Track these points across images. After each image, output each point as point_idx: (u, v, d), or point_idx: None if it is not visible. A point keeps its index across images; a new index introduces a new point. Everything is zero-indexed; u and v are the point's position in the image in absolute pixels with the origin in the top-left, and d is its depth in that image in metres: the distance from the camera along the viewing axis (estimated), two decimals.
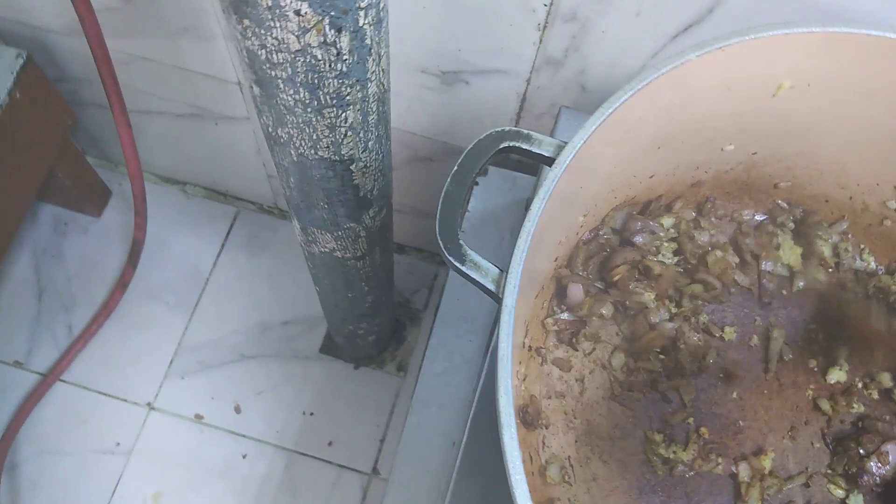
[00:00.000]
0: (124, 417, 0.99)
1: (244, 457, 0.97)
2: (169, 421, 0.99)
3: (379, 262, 0.69)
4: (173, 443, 0.98)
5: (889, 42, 0.41)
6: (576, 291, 0.47)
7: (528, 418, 0.46)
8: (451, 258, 0.34)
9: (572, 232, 0.47)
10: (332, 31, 0.37)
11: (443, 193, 0.35)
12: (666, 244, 0.51)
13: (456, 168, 0.35)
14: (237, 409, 0.99)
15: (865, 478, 0.46)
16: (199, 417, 0.99)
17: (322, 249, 0.63)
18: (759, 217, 0.54)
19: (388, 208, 0.62)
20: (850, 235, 0.53)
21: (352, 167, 0.49)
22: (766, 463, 0.47)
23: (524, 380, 0.46)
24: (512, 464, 0.32)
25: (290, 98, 0.42)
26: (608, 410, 0.49)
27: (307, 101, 0.42)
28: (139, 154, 1.02)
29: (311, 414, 0.99)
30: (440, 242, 0.34)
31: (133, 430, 0.98)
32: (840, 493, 0.47)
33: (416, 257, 1.07)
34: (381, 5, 0.39)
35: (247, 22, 0.37)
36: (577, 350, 0.50)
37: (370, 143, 0.48)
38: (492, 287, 0.34)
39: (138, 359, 1.01)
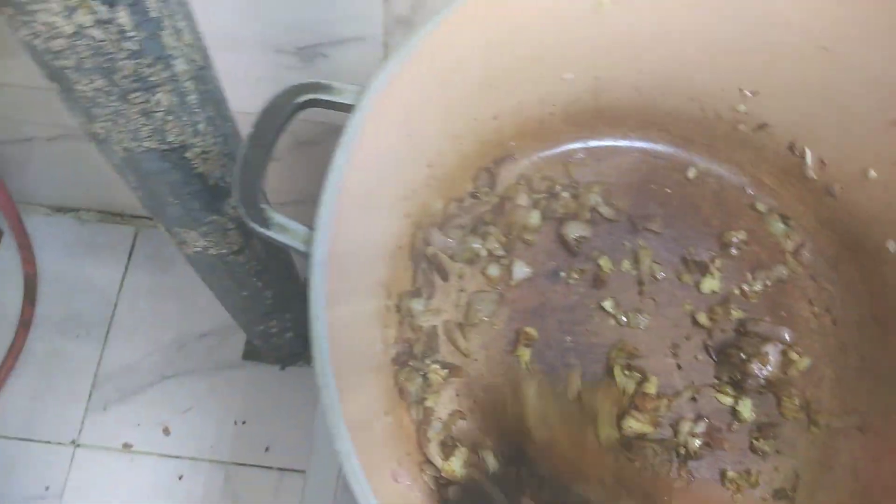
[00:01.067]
0: (50, 460, 0.94)
1: (181, 478, 0.94)
2: (97, 455, 0.95)
3: (264, 255, 0.67)
4: (105, 477, 0.94)
5: None
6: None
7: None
8: (254, 224, 0.32)
9: (421, 184, 0.46)
10: (104, 7, 0.35)
11: (239, 158, 0.33)
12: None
13: (252, 130, 0.33)
14: (166, 431, 0.96)
15: (750, 381, 0.46)
16: (127, 446, 0.95)
17: (194, 249, 0.60)
18: (618, 143, 0.53)
19: None
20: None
21: (187, 155, 0.47)
22: (651, 388, 0.46)
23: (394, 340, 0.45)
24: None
25: (87, 88, 0.39)
26: (486, 358, 0.48)
27: (106, 89, 0.39)
28: (25, 187, 0.98)
29: (244, 422, 0.96)
30: (242, 209, 0.32)
31: (61, 472, 0.94)
32: (729, 400, 0.47)
33: None
34: None
35: (9, 10, 0.34)
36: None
37: (199, 125, 0.46)
38: (303, 248, 0.32)
39: (56, 397, 0.97)
